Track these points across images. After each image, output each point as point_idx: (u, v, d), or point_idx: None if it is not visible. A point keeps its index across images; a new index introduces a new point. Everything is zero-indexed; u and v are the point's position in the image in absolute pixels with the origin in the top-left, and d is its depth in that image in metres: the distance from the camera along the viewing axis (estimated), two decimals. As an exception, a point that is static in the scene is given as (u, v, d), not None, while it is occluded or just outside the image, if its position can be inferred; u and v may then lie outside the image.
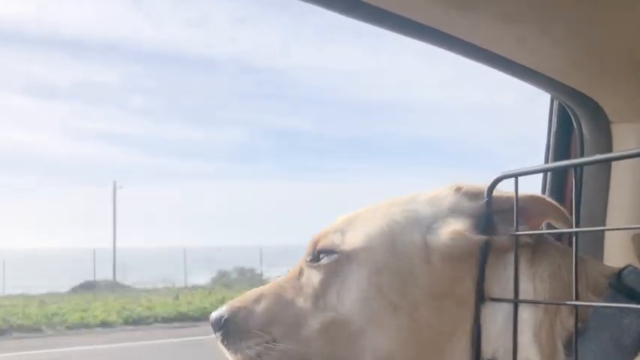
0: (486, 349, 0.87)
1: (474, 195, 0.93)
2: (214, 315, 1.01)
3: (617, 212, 1.47)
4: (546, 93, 1.58)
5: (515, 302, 0.84)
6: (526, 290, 0.86)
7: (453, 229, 0.90)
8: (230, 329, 0.98)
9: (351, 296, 0.92)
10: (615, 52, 1.33)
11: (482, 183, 0.95)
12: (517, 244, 0.86)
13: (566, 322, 0.82)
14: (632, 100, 1.48)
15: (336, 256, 0.95)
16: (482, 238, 0.89)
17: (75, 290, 24.55)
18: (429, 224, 0.93)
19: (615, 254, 1.40)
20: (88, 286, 25.00)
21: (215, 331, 1.01)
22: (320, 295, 0.95)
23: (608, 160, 1.20)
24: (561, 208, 0.93)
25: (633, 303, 0.79)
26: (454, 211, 0.93)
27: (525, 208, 0.88)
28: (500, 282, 0.88)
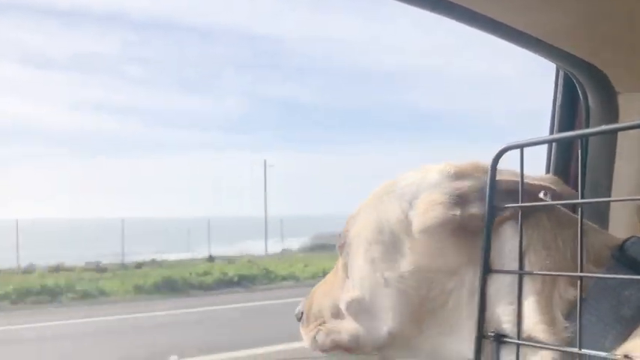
0: (492, 319, 0.87)
1: (459, 175, 0.94)
2: (297, 309, 1.19)
3: (623, 183, 1.46)
4: (551, 63, 1.56)
5: (520, 274, 0.84)
6: (530, 263, 0.85)
7: (428, 200, 0.93)
8: (303, 319, 1.16)
9: (357, 275, 1.01)
10: (622, 21, 1.31)
11: (469, 161, 0.96)
12: (520, 216, 0.85)
13: (565, 293, 0.81)
14: (639, 70, 1.46)
15: (347, 240, 1.05)
16: (458, 212, 0.89)
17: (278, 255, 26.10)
18: (410, 200, 0.97)
19: (620, 225, 1.40)
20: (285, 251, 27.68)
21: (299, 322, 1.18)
22: (342, 277, 1.07)
23: (616, 131, 1.19)
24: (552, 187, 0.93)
25: (635, 274, 0.78)
26: (435, 187, 0.94)
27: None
28: (496, 254, 0.88)
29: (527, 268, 0.85)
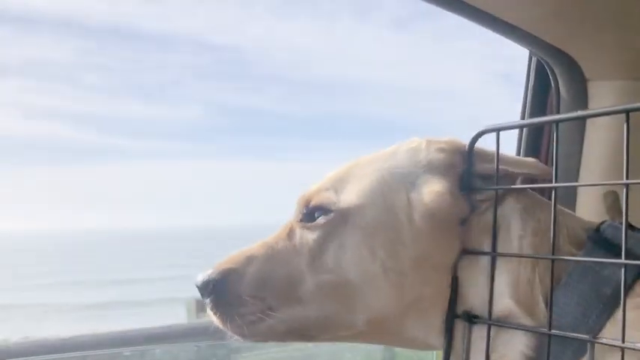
0: (465, 301, 0.88)
1: (448, 150, 0.91)
2: (201, 278, 0.94)
3: (590, 169, 1.50)
4: (524, 51, 1.57)
5: (494, 255, 0.85)
6: (509, 245, 0.86)
7: (432, 189, 0.88)
8: (220, 295, 0.92)
9: (347, 257, 0.89)
10: (594, 8, 1.33)
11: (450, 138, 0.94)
12: (496, 198, 0.86)
13: (544, 276, 0.83)
14: (609, 58, 1.48)
15: (332, 215, 0.91)
16: (461, 197, 0.88)
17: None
18: (412, 181, 0.90)
19: (587, 210, 1.43)
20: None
21: (203, 296, 0.94)
22: (316, 255, 0.90)
23: (589, 117, 1.21)
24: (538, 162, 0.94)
25: (611, 255, 0.80)
26: (431, 168, 0.90)
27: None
28: (485, 239, 0.88)
29: (514, 251, 0.86)
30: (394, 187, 0.90)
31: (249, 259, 0.94)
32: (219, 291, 0.92)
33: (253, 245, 0.97)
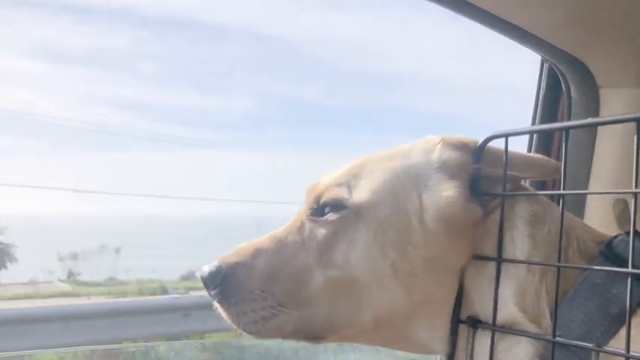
0: (471, 307, 0.87)
1: (461, 148, 0.89)
2: (208, 270, 0.91)
3: (600, 176, 1.49)
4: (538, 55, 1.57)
5: (499, 261, 0.84)
6: (515, 253, 0.85)
7: (446, 193, 0.86)
8: (229, 288, 0.89)
9: (357, 254, 0.87)
10: (607, 16, 1.32)
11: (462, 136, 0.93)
12: (503, 204, 0.85)
13: (551, 288, 0.80)
14: (621, 66, 1.47)
15: (345, 211, 0.90)
16: (474, 201, 0.87)
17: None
18: (425, 181, 0.89)
19: (596, 217, 1.42)
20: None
21: (210, 288, 0.91)
22: (325, 251, 0.89)
23: (599, 124, 1.20)
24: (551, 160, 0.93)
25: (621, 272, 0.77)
26: (444, 168, 0.89)
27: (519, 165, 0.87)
28: (487, 244, 0.87)
29: (523, 258, 0.84)
30: (407, 186, 0.89)
31: (258, 253, 0.92)
32: (229, 284, 0.90)
33: (262, 237, 0.95)
